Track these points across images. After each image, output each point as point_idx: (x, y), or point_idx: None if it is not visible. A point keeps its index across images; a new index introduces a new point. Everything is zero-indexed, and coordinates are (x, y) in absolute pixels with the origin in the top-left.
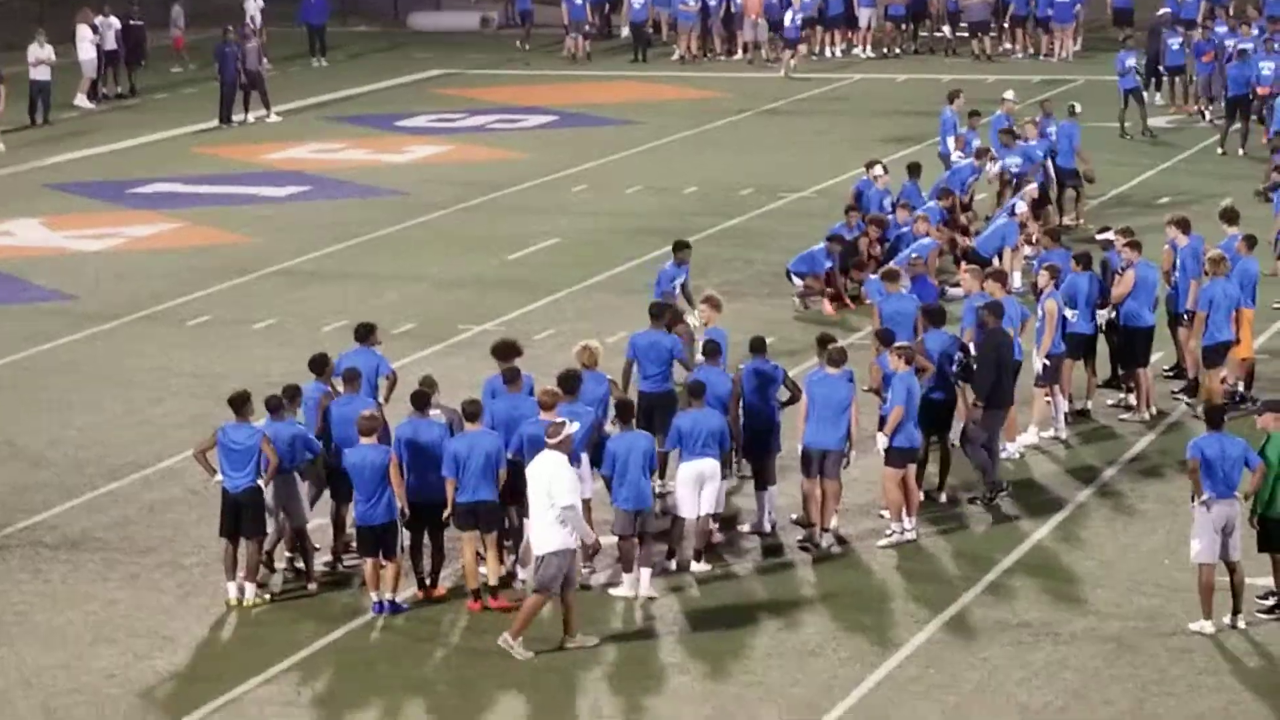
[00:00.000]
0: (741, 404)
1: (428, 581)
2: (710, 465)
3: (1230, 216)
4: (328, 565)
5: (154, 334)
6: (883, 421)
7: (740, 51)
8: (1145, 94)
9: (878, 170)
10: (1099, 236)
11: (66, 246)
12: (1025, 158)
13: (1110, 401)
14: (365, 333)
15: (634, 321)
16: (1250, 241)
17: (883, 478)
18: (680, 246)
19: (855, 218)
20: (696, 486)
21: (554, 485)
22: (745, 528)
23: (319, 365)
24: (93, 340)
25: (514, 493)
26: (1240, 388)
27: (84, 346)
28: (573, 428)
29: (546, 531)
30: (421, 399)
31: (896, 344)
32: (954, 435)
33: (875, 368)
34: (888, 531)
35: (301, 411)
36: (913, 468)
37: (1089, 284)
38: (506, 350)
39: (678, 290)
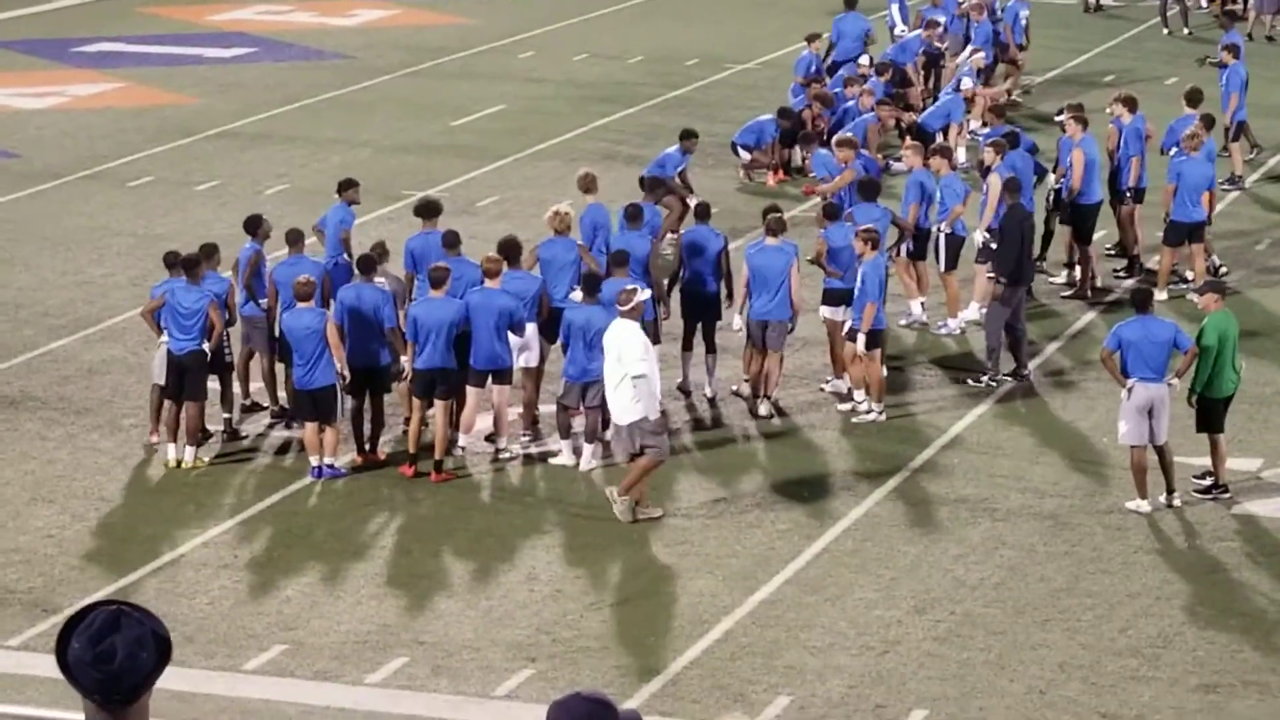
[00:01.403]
0: (683, 270)
1: (367, 446)
2: None
3: (1193, 98)
4: (267, 427)
5: (96, 194)
6: (827, 295)
7: None
8: None
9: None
10: (1059, 119)
11: (9, 104)
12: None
13: (1053, 279)
14: (344, 186)
15: (577, 190)
16: (1208, 122)
17: (867, 362)
18: (688, 135)
19: (818, 88)
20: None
21: (624, 353)
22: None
23: (252, 225)
24: (34, 199)
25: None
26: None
27: (25, 205)
28: (644, 294)
29: (624, 401)
30: (367, 263)
31: (862, 227)
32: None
33: (820, 240)
34: (865, 409)
35: (239, 272)
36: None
37: (1023, 161)
38: (429, 209)
39: (675, 175)
